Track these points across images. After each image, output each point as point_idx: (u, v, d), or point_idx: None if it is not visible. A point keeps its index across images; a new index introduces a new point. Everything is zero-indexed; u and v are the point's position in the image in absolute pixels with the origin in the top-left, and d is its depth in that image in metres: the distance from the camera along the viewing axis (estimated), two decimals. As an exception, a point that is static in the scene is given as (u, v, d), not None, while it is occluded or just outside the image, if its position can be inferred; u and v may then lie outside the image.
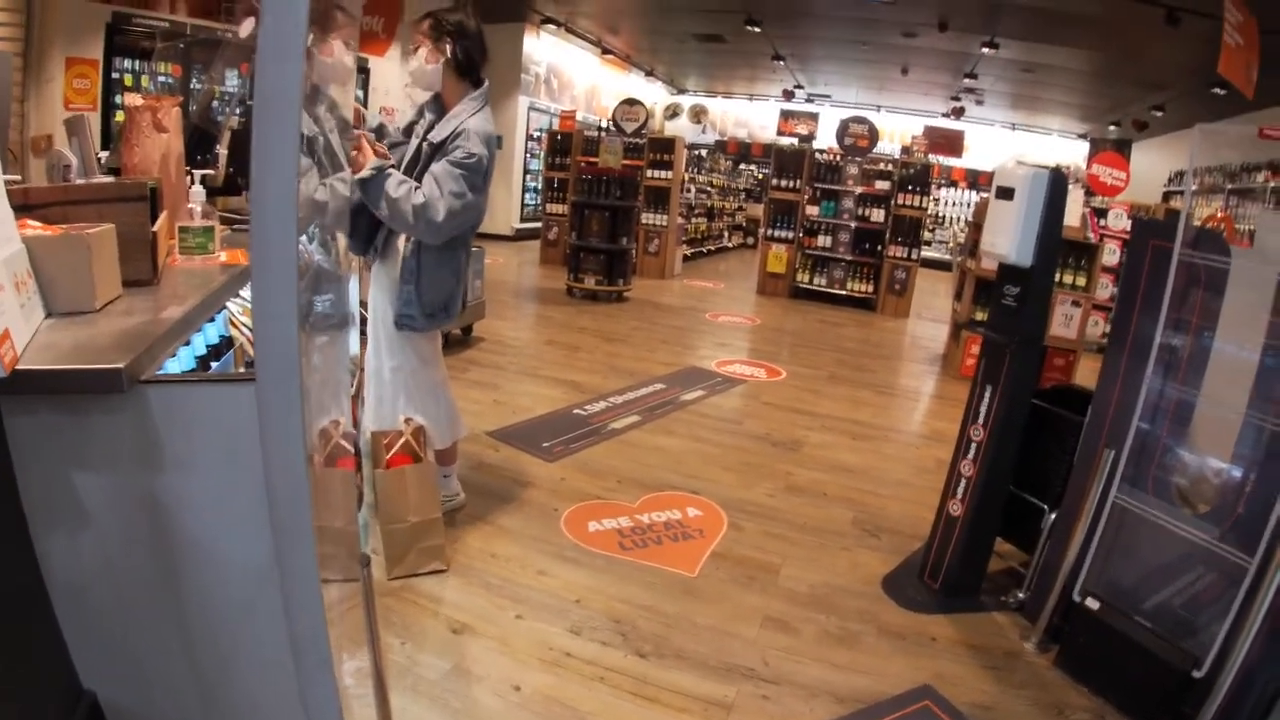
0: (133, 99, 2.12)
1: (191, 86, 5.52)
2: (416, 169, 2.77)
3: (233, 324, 2.22)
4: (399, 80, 9.51)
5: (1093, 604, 2.58)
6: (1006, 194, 2.70)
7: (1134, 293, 2.58)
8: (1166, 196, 12.63)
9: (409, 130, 2.93)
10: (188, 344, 1.86)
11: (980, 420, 2.89)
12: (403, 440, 2.85)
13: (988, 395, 2.87)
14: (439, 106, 2.87)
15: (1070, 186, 6.78)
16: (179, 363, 1.83)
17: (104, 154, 2.46)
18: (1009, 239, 2.70)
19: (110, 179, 1.96)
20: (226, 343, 2.20)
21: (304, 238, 2.19)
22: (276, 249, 0.80)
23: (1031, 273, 2.74)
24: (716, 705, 2.30)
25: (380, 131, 2.94)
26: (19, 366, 1.08)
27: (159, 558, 1.24)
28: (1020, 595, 2.99)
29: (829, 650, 2.63)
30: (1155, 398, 2.50)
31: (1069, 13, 8.67)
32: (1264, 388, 2.27)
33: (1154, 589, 2.53)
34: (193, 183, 1.98)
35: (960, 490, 2.97)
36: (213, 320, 2.09)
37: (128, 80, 6.60)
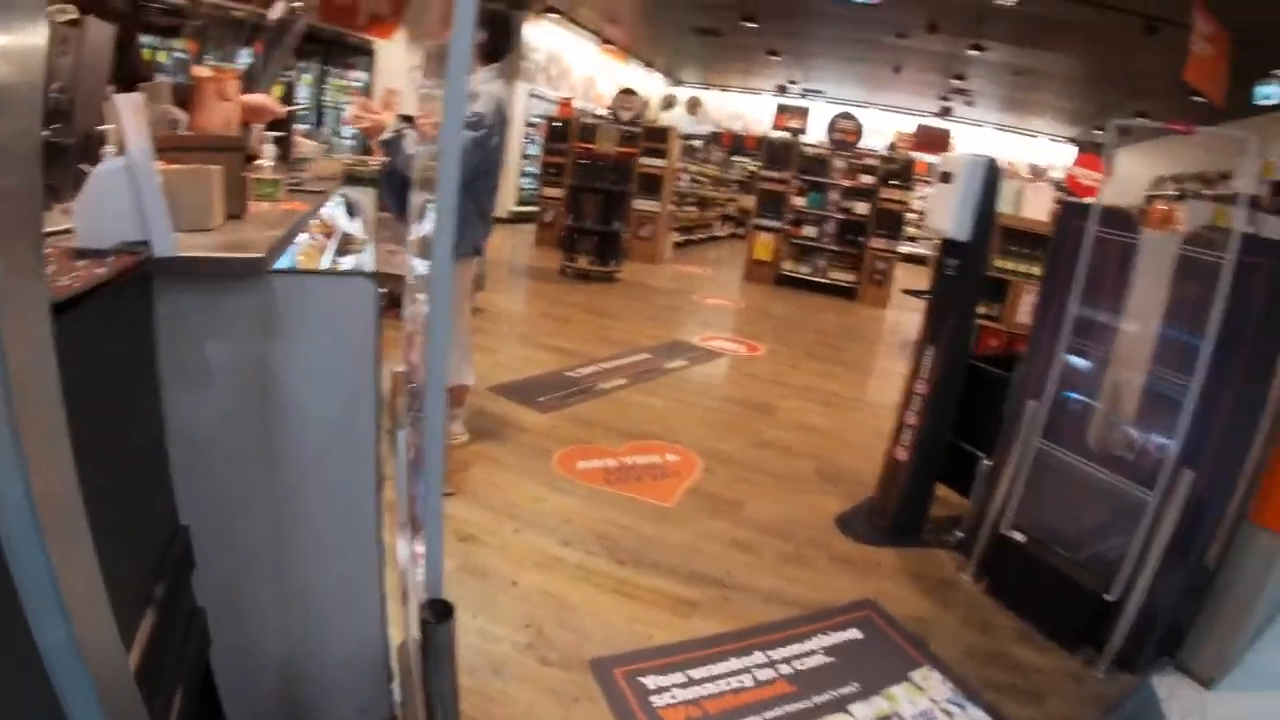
0: (200, 70, 2.39)
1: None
2: None
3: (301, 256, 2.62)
4: (404, 62, 9.82)
5: (1019, 536, 2.98)
6: (948, 178, 3.11)
7: (1056, 266, 2.98)
8: (1149, 200, 13.01)
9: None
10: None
11: (924, 375, 3.30)
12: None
13: (930, 353, 3.28)
14: None
15: (1040, 184, 7.23)
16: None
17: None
18: (950, 217, 3.11)
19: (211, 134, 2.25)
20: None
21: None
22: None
23: (969, 246, 3.15)
24: (684, 603, 2.71)
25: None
26: (180, 253, 1.37)
27: (263, 411, 1.56)
28: (958, 534, 3.40)
29: (784, 567, 3.05)
30: (1070, 360, 2.89)
31: (1053, 18, 9.01)
32: (1161, 353, 2.64)
33: (1071, 523, 2.91)
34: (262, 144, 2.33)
35: (906, 438, 3.38)
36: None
37: (145, 54, 6.88)
